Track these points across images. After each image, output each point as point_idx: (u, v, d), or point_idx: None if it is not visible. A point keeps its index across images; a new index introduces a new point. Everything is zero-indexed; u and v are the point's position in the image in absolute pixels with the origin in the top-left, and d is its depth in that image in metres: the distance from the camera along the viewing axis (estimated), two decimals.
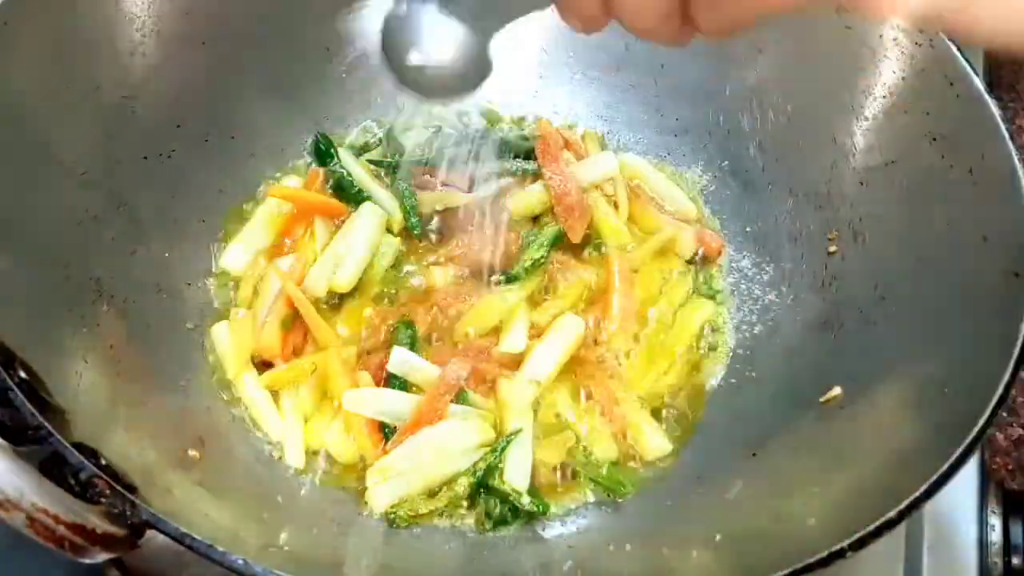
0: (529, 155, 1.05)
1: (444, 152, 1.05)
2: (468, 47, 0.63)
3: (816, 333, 0.92)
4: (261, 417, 0.89)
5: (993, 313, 0.73)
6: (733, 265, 1.03)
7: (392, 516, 0.83)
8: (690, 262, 1.02)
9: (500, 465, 0.85)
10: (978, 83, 0.81)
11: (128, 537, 0.61)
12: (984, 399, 0.66)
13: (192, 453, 0.79)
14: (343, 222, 0.99)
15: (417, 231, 1.00)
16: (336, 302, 0.97)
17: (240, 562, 0.59)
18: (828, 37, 0.92)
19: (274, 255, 0.98)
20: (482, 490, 0.85)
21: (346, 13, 1.04)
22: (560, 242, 1.00)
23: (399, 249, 0.99)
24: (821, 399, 0.83)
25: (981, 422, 0.65)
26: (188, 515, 0.66)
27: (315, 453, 0.88)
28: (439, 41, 0.63)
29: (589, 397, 0.92)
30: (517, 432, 0.87)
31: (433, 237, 1.01)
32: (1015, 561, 0.88)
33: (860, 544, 0.61)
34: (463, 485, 0.84)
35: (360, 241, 0.96)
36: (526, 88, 1.13)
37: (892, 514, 0.62)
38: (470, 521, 0.85)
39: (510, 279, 0.97)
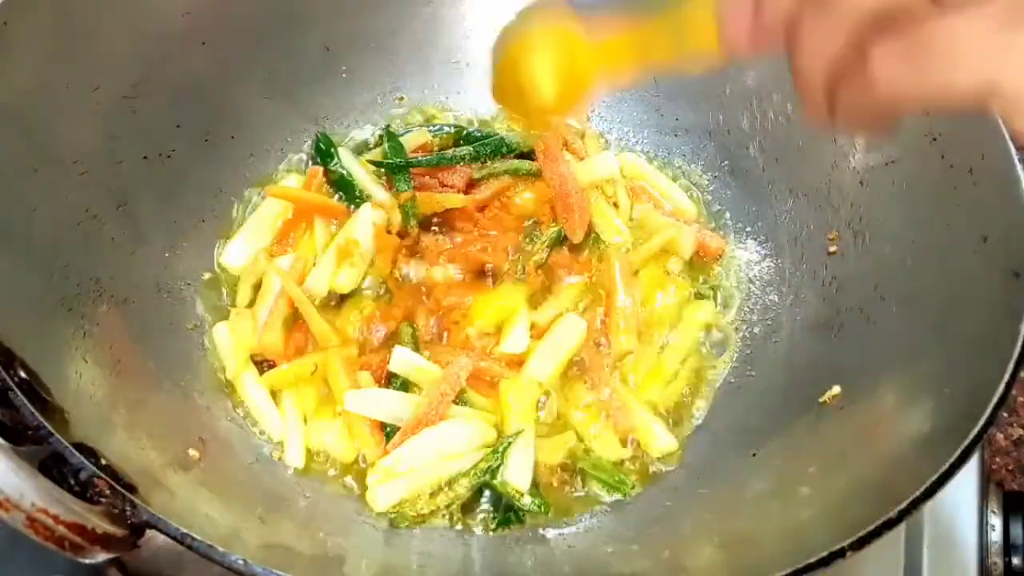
0: (529, 155, 1.05)
1: (444, 153, 1.05)
2: None
3: (816, 333, 0.92)
4: (261, 417, 0.89)
5: (993, 313, 0.73)
6: (733, 265, 1.03)
7: (393, 516, 0.83)
8: (690, 262, 1.02)
9: (502, 466, 0.85)
10: None
11: (128, 537, 0.61)
12: (984, 399, 0.66)
13: (192, 453, 0.79)
14: (343, 222, 0.99)
15: (416, 232, 1.00)
16: (337, 302, 0.97)
17: (240, 562, 0.59)
18: None
19: (274, 254, 0.98)
20: (484, 491, 0.85)
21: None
22: (560, 242, 1.00)
23: (399, 249, 0.99)
24: (821, 399, 0.83)
25: (981, 422, 0.65)
26: (188, 515, 0.66)
27: (315, 453, 0.88)
28: None
29: (592, 397, 0.92)
30: (519, 433, 0.87)
31: (433, 237, 1.01)
32: (1015, 561, 0.88)
33: (860, 544, 0.61)
34: (464, 486, 0.84)
35: (360, 241, 0.96)
36: None
37: (892, 514, 0.62)
38: (471, 521, 0.85)
39: (510, 279, 0.97)
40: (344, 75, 1.08)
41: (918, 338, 0.80)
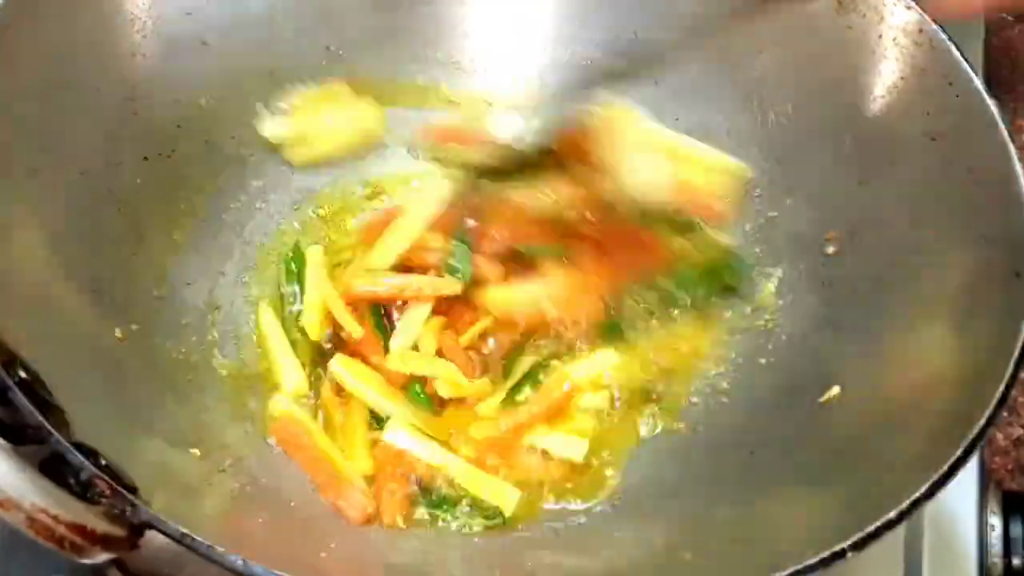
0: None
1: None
2: None
3: (816, 333, 0.92)
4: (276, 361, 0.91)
5: (993, 313, 0.73)
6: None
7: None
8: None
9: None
10: (978, 83, 0.81)
11: (128, 537, 0.61)
12: (984, 399, 0.66)
13: (192, 452, 0.79)
14: None
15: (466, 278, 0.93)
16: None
17: (240, 562, 0.59)
18: (828, 37, 0.92)
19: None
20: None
21: None
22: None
23: None
24: (820, 399, 0.83)
25: (981, 422, 0.65)
26: (188, 515, 0.66)
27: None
28: None
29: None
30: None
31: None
32: (1015, 561, 0.88)
33: (860, 544, 0.61)
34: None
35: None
36: (526, 88, 1.13)
37: (892, 514, 0.62)
38: (470, 521, 0.85)
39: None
40: (344, 75, 1.08)
41: (918, 339, 0.80)
